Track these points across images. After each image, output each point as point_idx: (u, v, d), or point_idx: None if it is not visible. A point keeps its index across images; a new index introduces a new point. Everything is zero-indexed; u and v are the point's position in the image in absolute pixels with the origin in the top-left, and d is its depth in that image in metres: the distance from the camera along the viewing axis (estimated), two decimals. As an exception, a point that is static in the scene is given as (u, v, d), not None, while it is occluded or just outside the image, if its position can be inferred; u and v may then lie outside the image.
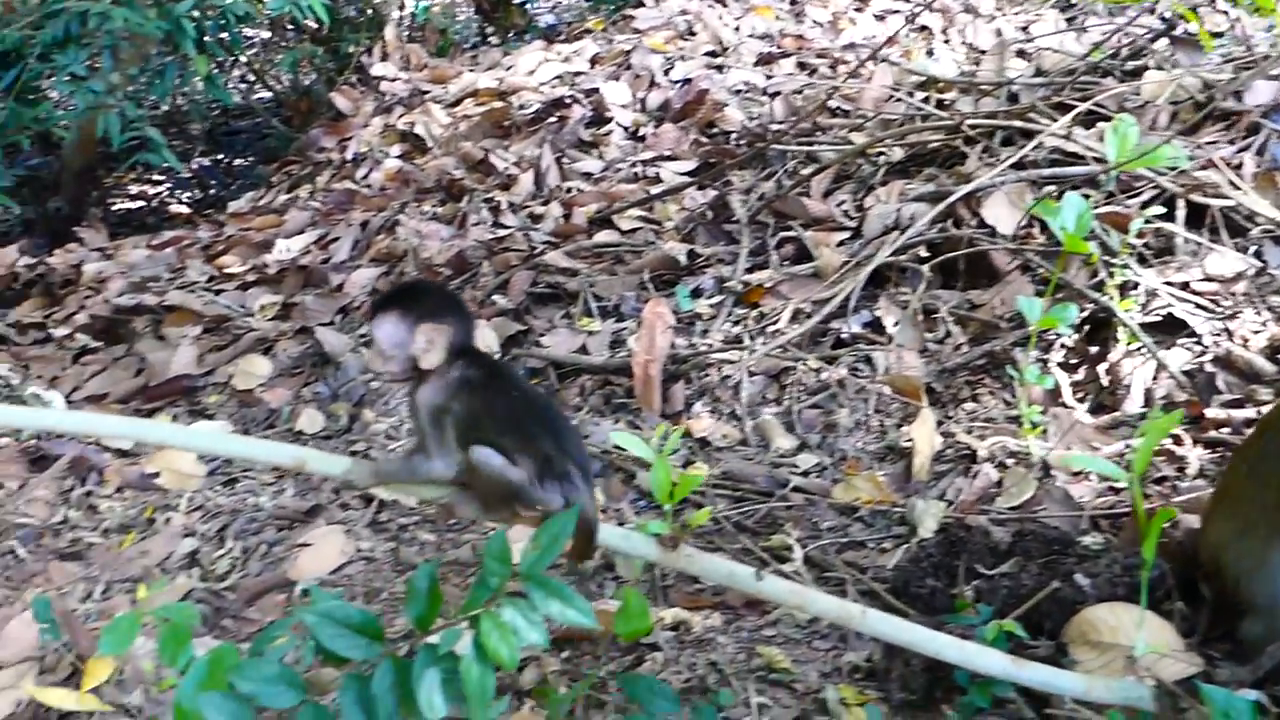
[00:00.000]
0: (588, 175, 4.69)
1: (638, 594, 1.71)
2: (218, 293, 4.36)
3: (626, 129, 5.03)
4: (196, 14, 5.01)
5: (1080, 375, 3.13)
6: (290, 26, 6.30)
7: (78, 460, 3.27)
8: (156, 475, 3.24)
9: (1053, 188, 3.51)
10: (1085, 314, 3.13)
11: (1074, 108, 3.74)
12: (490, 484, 1.77)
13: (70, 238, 5.87)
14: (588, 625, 1.22)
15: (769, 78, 5.31)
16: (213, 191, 7.40)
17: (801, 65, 5.45)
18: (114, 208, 7.23)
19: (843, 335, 3.36)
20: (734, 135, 4.84)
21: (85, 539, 3.02)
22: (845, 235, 3.77)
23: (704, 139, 4.86)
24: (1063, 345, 3.16)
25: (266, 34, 6.76)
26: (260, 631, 2.50)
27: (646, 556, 1.63)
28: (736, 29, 5.79)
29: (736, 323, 3.51)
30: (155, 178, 7.80)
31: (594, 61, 5.66)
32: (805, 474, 2.88)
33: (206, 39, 5.18)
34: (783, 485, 2.82)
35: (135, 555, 2.89)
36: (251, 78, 7.28)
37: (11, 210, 5.21)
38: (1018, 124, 3.79)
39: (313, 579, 2.67)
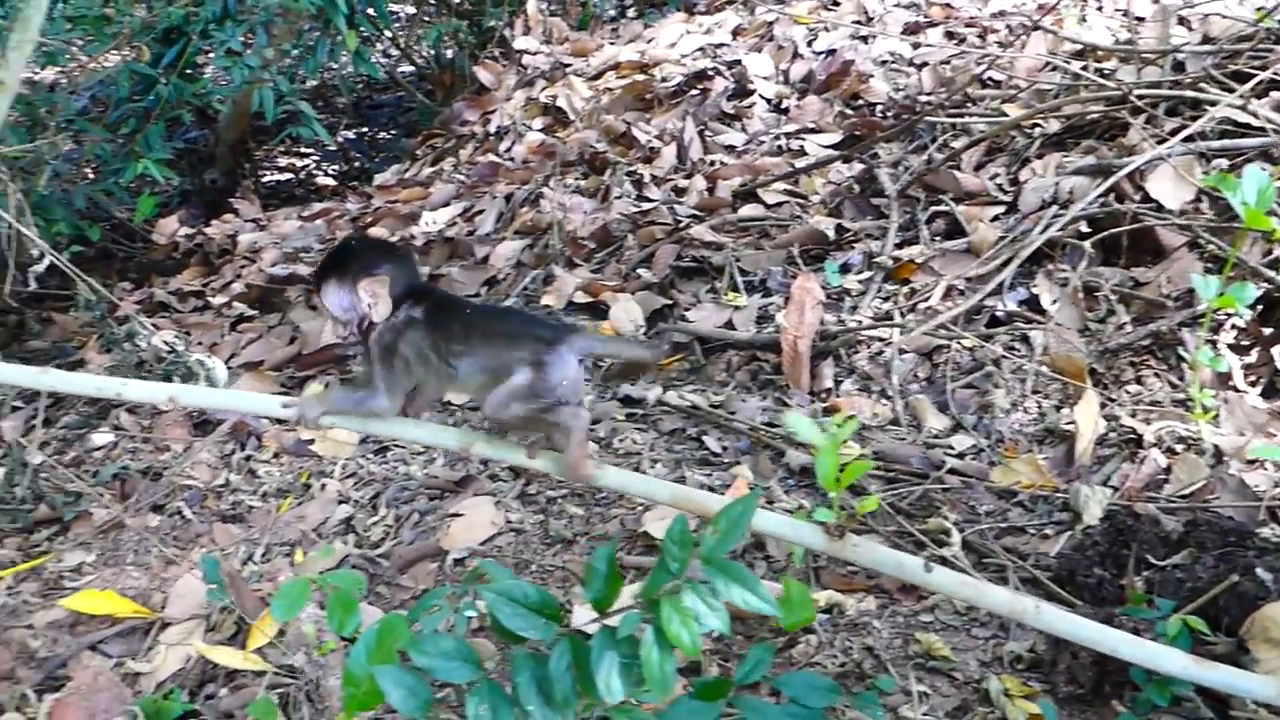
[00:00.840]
0: (730, 148, 4.64)
1: (798, 583, 1.67)
2: (367, 264, 4.44)
3: (769, 101, 4.95)
4: (348, -11, 5.10)
5: (1252, 358, 2.98)
6: (433, 1, 6.36)
7: (238, 426, 3.37)
8: (311, 442, 3.32)
9: (1222, 161, 3.34)
10: (1259, 294, 2.97)
11: (1246, 77, 3.55)
12: (513, 413, 1.77)
13: (224, 209, 6.07)
14: (769, 612, 1.19)
15: (915, 48, 5.16)
16: (357, 164, 7.55)
17: (949, 35, 5.28)
18: (263, 180, 7.44)
19: (998, 313, 3.26)
20: (880, 107, 4.72)
21: (245, 502, 3.11)
22: (999, 210, 3.65)
23: (849, 111, 4.76)
24: (1234, 326, 3.01)
25: (410, 9, 6.83)
26: (415, 600, 2.56)
27: (812, 545, 1.60)
28: (882, -1, 5.65)
29: (886, 299, 3.43)
30: (302, 150, 8.00)
31: (736, 33, 5.58)
32: (961, 456, 2.81)
33: (355, 14, 5.26)
34: (937, 467, 2.75)
35: (293, 520, 2.97)
36: (395, 52, 7.39)
37: (170, 182, 5.38)
38: (1189, 94, 3.60)
39: (464, 549, 2.70)
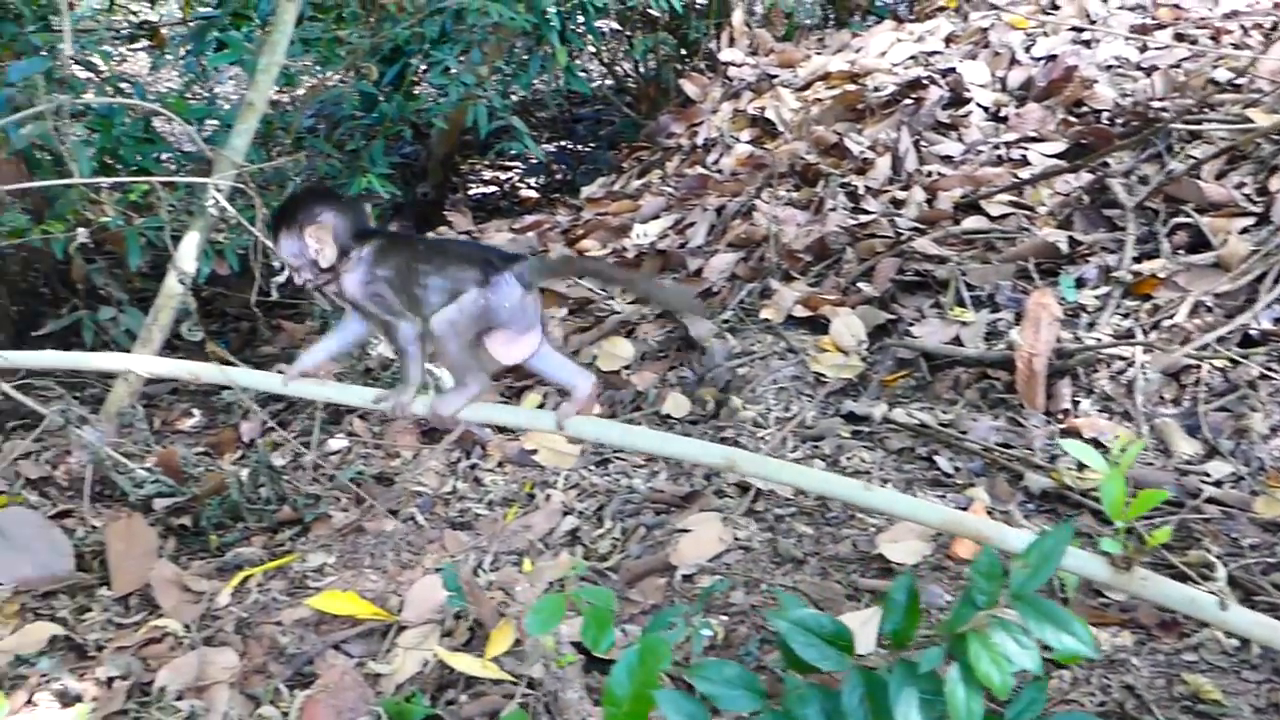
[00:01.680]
0: (947, 158, 4.51)
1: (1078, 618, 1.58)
2: (580, 276, 4.50)
3: (987, 110, 4.80)
4: (558, 7, 5.18)
5: None
6: (638, 15, 6.41)
7: (464, 434, 3.45)
8: (534, 452, 3.37)
9: None
10: None
11: None
12: (459, 333, 1.94)
13: (433, 221, 6.25)
14: (1087, 655, 1.12)
15: (1143, 51, 4.93)
16: (559, 177, 7.69)
17: (1179, 37, 5.02)
18: (469, 192, 7.65)
19: (1252, 331, 3.06)
20: (1106, 114, 4.52)
21: (473, 510, 3.18)
22: (1249, 222, 3.44)
23: (1072, 118, 4.57)
24: None
25: (614, 25, 6.91)
26: (645, 614, 2.56)
27: (1095, 577, 1.51)
28: (1104, 0, 5.41)
29: (1126, 315, 3.27)
30: (505, 164, 8.20)
31: (949, 40, 5.44)
32: (1218, 484, 2.64)
33: (566, 31, 5.35)
34: (1193, 495, 2.59)
35: (519, 529, 3.01)
36: (599, 67, 7.49)
37: (383, 195, 5.57)
38: None
39: (692, 565, 2.68)
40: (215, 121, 5.26)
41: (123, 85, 5.30)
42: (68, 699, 2.44)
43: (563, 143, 8.20)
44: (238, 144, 3.64)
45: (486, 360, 2.09)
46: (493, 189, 7.91)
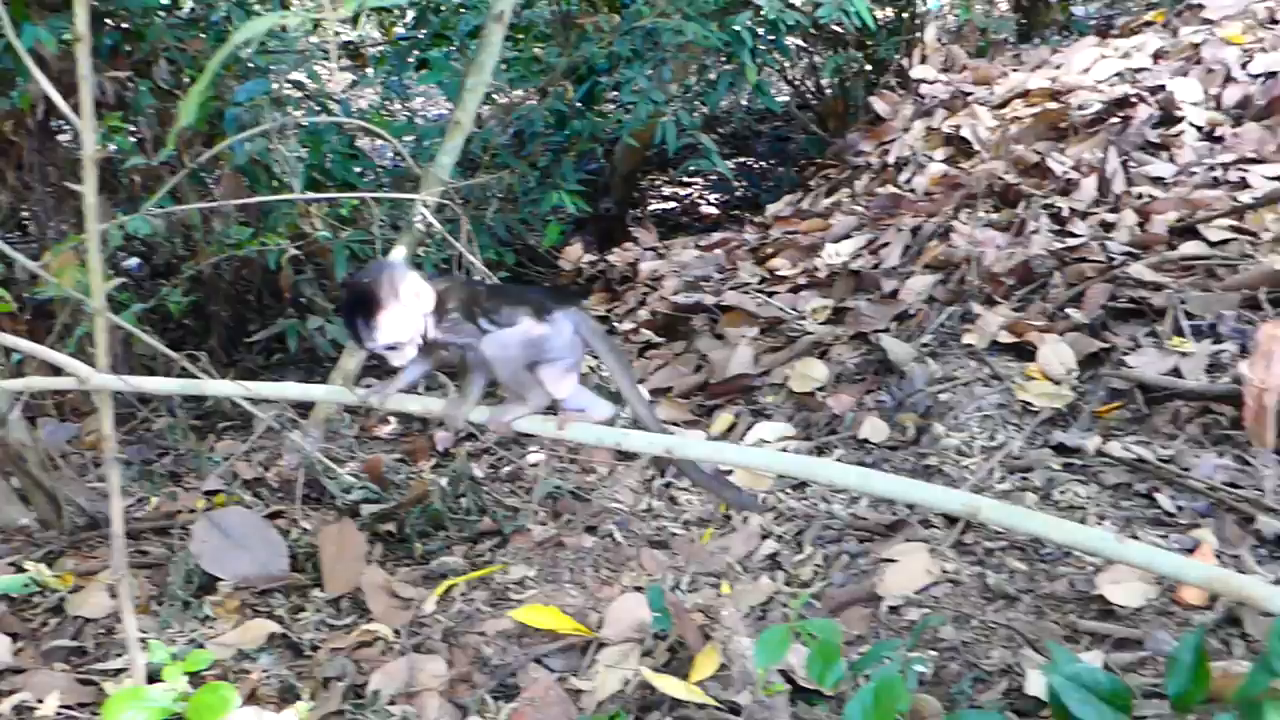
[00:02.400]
0: (1158, 180, 4.32)
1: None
2: (769, 294, 4.47)
3: (1200, 129, 4.59)
4: (751, 24, 5.18)
5: None
6: (827, 33, 6.36)
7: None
8: (729, 473, 3.35)
9: None
10: None
11: None
12: (511, 355, 2.08)
13: (615, 236, 6.32)
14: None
15: (1374, 68, 4.64)
16: (739, 194, 7.68)
17: None
18: (650, 209, 7.72)
19: None
20: (1335, 134, 4.27)
21: (668, 529, 3.18)
22: None
23: (1297, 139, 4.32)
24: None
25: (799, 42, 6.86)
26: (848, 645, 2.50)
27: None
28: (1332, 14, 5.12)
29: (1367, 351, 3.05)
30: (685, 180, 8.24)
31: (1157, 56, 5.22)
32: None
33: (758, 48, 5.34)
34: None
35: (716, 550, 3.00)
36: (783, 84, 7.45)
37: (572, 210, 5.65)
38: None
39: (899, 596, 2.62)
40: (410, 138, 5.44)
41: (330, 105, 5.53)
42: (287, 696, 2.54)
43: (742, 159, 8.19)
44: (444, 161, 3.74)
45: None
46: (672, 205, 7.96)
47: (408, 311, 2.06)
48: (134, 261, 5.57)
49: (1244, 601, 1.42)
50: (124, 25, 4.53)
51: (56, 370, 2.16)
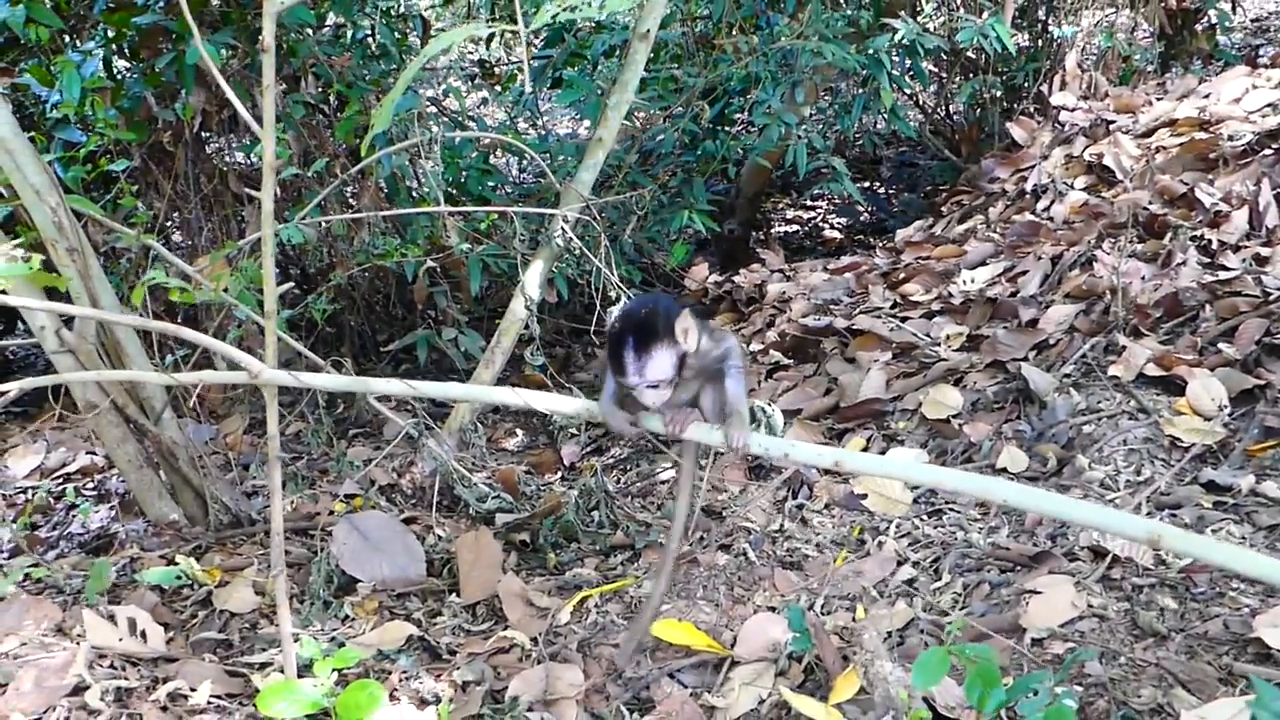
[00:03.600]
0: (1314, 214, 4.17)
1: None
2: (902, 319, 4.43)
3: (1362, 162, 4.41)
4: (889, 48, 5.14)
5: None
6: (963, 58, 6.28)
7: (793, 474, 3.44)
8: (864, 497, 3.32)
9: None
10: None
11: None
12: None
13: (738, 257, 6.32)
14: None
15: None
16: (864, 218, 7.61)
17: None
18: (774, 231, 7.70)
19: None
20: None
21: (801, 550, 3.16)
22: None
23: None
24: None
25: (931, 67, 6.79)
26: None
27: None
28: None
29: None
30: (809, 204, 8.20)
31: (1313, 86, 5.05)
32: None
33: (894, 73, 5.30)
34: None
35: (850, 574, 2.97)
36: (915, 109, 7.38)
37: (701, 230, 5.67)
38: None
39: (1043, 629, 2.56)
40: (544, 154, 5.52)
41: (466, 122, 5.65)
42: (426, 698, 2.58)
43: (867, 184, 8.13)
44: (585, 178, 3.79)
45: None
46: (795, 228, 7.93)
47: (676, 350, 2.05)
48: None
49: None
50: (275, 42, 4.69)
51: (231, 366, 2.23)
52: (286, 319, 4.07)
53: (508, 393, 2.12)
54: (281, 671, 2.41)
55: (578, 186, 3.78)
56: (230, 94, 1.98)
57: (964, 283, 4.51)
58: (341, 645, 2.79)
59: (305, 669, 2.49)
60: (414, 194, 4.95)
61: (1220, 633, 2.47)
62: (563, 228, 3.69)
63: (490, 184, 5.41)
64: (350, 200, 5.09)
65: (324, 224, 4.16)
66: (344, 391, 2.77)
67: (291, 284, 4.30)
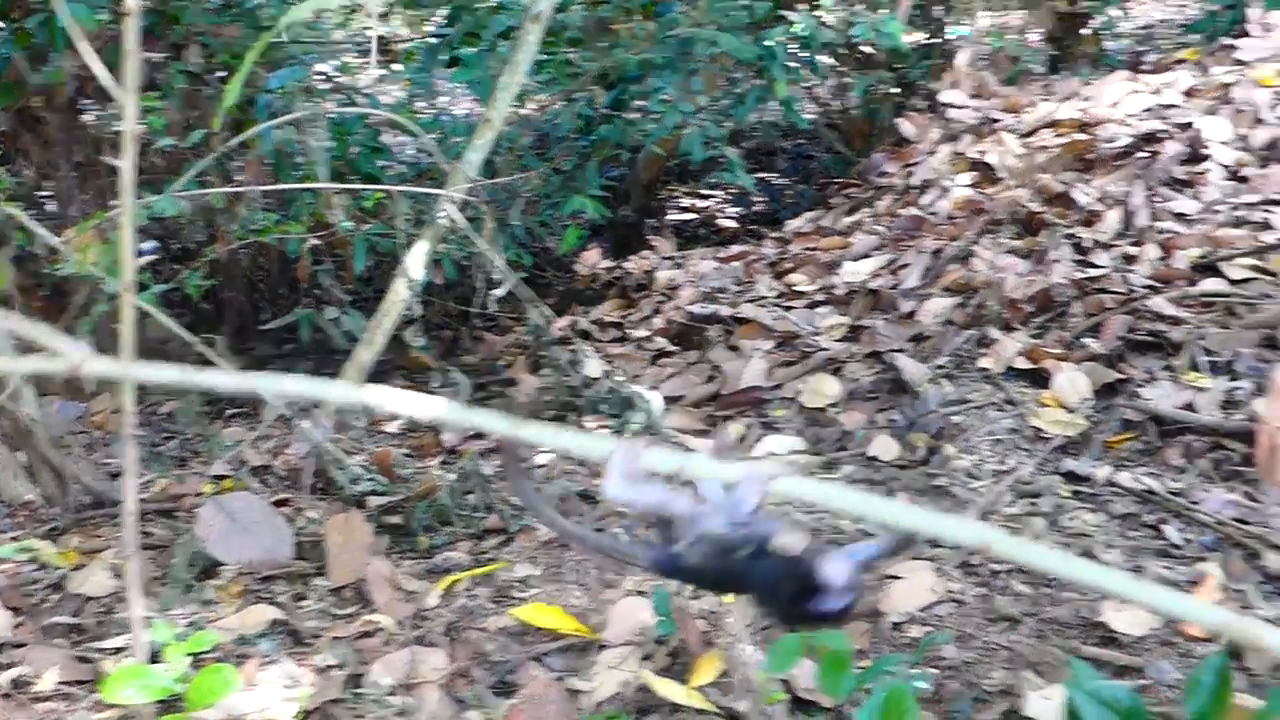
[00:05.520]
0: (1182, 216, 4.30)
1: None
2: (786, 309, 4.47)
3: (1227, 168, 4.57)
4: (784, 40, 5.19)
5: None
6: (858, 53, 6.36)
7: (669, 460, 3.45)
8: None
9: None
10: None
11: None
12: None
13: (631, 245, 6.32)
14: None
15: (1406, 116, 4.63)
16: (757, 209, 7.68)
17: None
18: (668, 219, 7.72)
19: None
20: (1363, 180, 4.25)
21: (677, 536, 3.17)
22: None
23: (1323, 183, 4.31)
24: None
25: (829, 60, 6.87)
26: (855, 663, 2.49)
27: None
28: (1365, 60, 5.11)
29: (1385, 397, 3.04)
30: (704, 192, 8.25)
31: (1188, 94, 5.20)
32: None
33: (790, 64, 5.35)
34: None
35: (721, 559, 2.99)
36: (811, 101, 7.46)
37: (594, 216, 5.66)
38: None
39: (902, 613, 2.62)
40: (436, 134, 5.45)
41: (357, 98, 5.56)
42: (287, 682, 2.54)
43: (763, 175, 8.19)
44: (473, 158, 3.75)
45: None
46: (690, 216, 7.96)
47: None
48: (151, 244, 5.60)
49: (1257, 647, 1.39)
50: (159, 8, 4.57)
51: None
52: (160, 294, 3.95)
53: (350, 390, 2.07)
54: (133, 657, 2.35)
55: (464, 167, 3.74)
56: (90, 57, 1.91)
57: (848, 274, 4.57)
58: (201, 630, 2.73)
59: (161, 654, 2.43)
60: (301, 170, 4.86)
61: (1069, 617, 2.55)
62: (447, 208, 3.65)
63: (381, 163, 5.34)
64: (235, 175, 4.98)
65: (202, 197, 4.05)
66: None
67: (156, 256, 4.18)
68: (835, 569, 1.26)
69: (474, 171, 3.71)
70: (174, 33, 4.49)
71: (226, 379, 2.15)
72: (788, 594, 1.24)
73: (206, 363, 3.69)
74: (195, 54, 4.45)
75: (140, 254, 5.23)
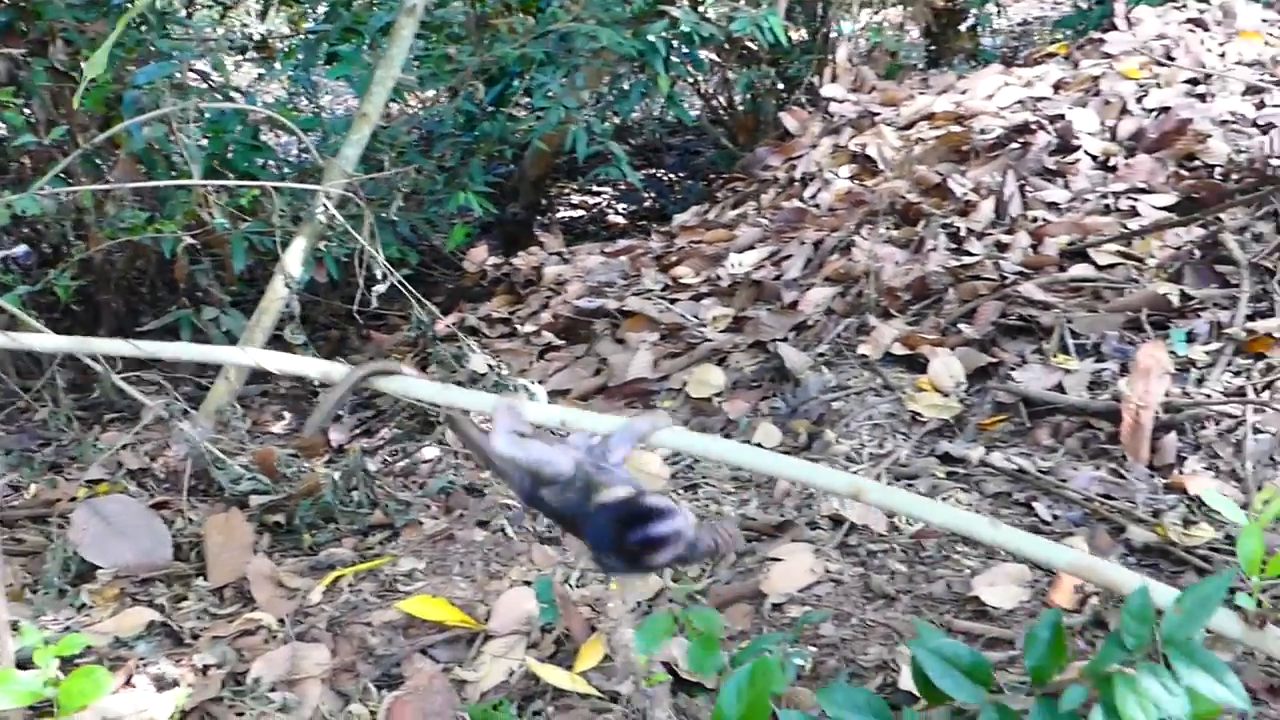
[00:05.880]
0: (1053, 205, 4.46)
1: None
2: (672, 301, 4.51)
3: (1095, 158, 4.74)
4: (665, 35, 5.22)
5: None
6: (741, 48, 6.43)
7: (555, 451, 3.46)
8: (627, 474, 3.37)
9: None
10: None
11: None
12: None
13: (522, 241, 6.30)
14: (1239, 707, 1.09)
15: (1260, 108, 4.84)
16: (648, 204, 7.72)
17: (1297, 94, 4.94)
18: (558, 215, 7.72)
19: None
20: (1219, 169, 4.44)
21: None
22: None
23: (1184, 172, 4.49)
24: None
25: (713, 56, 6.94)
26: (731, 640, 2.54)
27: (1226, 632, 1.46)
28: (1221, 55, 5.33)
29: (1238, 373, 3.20)
30: (595, 189, 8.26)
31: (1058, 87, 5.38)
32: (1333, 550, 2.56)
33: (672, 59, 5.39)
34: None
35: (607, 548, 3.01)
36: (695, 97, 7.52)
37: (474, 213, 5.62)
38: None
39: (782, 595, 2.66)
40: (315, 133, 5.37)
41: (234, 95, 5.44)
42: (164, 683, 2.48)
43: (652, 171, 8.24)
44: (349, 154, 3.72)
45: None
46: (581, 213, 7.97)
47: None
48: (22, 249, 5.42)
49: (1105, 585, 1.47)
50: (20, 3, 4.42)
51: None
52: (26, 295, 3.83)
53: (235, 352, 2.05)
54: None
55: (341, 162, 3.70)
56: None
57: (732, 266, 4.63)
58: (74, 634, 2.65)
59: (30, 662, 2.36)
60: (175, 169, 4.74)
61: (943, 593, 2.62)
62: (325, 204, 3.60)
63: (260, 160, 5.23)
64: (108, 175, 4.84)
65: (66, 195, 3.93)
66: (65, 355, 2.61)
67: (29, 261, 4.05)
68: (659, 499, 1.47)
69: (350, 167, 3.68)
70: (36, 28, 4.34)
71: (111, 345, 2.09)
72: (618, 531, 1.34)
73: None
74: (60, 50, 4.31)
75: (7, 259, 5.06)
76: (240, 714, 2.40)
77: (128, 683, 2.47)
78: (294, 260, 3.67)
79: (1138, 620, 1.13)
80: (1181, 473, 2.93)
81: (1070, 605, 2.51)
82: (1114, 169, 4.61)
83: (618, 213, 7.82)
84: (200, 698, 2.41)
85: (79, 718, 2.23)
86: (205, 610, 2.84)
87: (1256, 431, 2.95)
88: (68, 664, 2.45)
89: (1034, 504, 2.91)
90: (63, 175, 3.88)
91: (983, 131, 5.02)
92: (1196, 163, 4.52)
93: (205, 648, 2.60)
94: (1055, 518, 2.86)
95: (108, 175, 4.71)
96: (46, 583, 2.91)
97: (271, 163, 5.53)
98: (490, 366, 3.71)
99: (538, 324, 4.72)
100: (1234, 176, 4.29)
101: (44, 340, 2.12)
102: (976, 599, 2.55)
